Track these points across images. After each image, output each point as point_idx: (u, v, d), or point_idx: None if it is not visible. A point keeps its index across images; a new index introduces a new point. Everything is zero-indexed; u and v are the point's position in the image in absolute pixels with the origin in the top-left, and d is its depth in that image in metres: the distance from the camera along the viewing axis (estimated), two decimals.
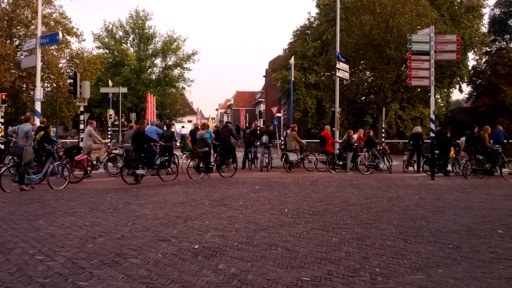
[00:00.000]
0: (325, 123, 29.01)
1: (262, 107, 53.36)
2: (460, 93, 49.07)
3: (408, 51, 14.90)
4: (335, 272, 4.53)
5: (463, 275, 4.54)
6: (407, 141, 18.70)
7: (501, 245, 5.77)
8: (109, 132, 31.80)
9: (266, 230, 6.33)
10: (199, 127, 15.07)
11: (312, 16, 36.33)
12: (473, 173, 14.70)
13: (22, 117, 16.79)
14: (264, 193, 10.05)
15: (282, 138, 22.08)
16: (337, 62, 18.60)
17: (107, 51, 43.96)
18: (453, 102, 45.19)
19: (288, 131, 17.43)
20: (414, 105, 32.25)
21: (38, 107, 15.29)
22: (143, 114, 37.85)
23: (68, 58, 31.03)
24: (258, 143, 16.78)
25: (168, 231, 6.23)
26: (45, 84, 29.68)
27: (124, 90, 31.31)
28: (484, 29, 34.32)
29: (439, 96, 32.43)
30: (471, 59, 36.63)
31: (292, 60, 24.92)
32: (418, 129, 17.08)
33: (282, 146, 20.67)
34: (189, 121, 60.86)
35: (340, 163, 16.15)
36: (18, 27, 29.05)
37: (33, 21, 27.50)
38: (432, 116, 14.71)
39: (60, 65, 29.90)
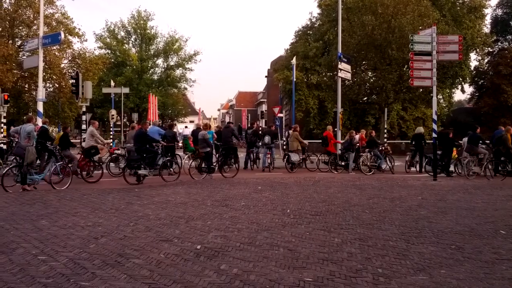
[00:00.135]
0: (327, 123, 28.98)
1: (264, 107, 53.35)
2: (462, 94, 49.11)
3: (410, 51, 14.92)
4: (337, 272, 4.53)
5: (465, 276, 4.53)
6: (409, 141, 18.67)
7: (504, 246, 5.76)
8: (111, 133, 31.88)
9: (268, 231, 6.33)
10: (201, 127, 15.09)
11: (313, 17, 36.43)
12: (495, 175, 14.45)
13: (24, 117, 16.81)
14: (266, 194, 10.04)
15: (284, 139, 22.08)
16: (339, 62, 18.58)
17: (109, 52, 44.02)
18: (455, 103, 45.11)
19: (290, 131, 17.41)
20: (416, 105, 32.21)
21: (40, 107, 15.30)
22: (145, 115, 37.86)
23: (70, 59, 31.10)
24: (260, 144, 16.77)
25: (170, 231, 6.23)
26: (47, 85, 29.69)
27: (126, 90, 31.41)
28: (486, 29, 34.31)
29: (441, 97, 32.36)
30: (473, 60, 36.72)
31: (294, 61, 24.89)
32: (421, 129, 17.02)
33: (284, 147, 20.68)
34: (191, 122, 60.71)
35: (342, 163, 16.13)
36: (20, 27, 29.14)
37: (35, 21, 27.59)
38: (434, 117, 14.69)
39: (62, 65, 29.99)
